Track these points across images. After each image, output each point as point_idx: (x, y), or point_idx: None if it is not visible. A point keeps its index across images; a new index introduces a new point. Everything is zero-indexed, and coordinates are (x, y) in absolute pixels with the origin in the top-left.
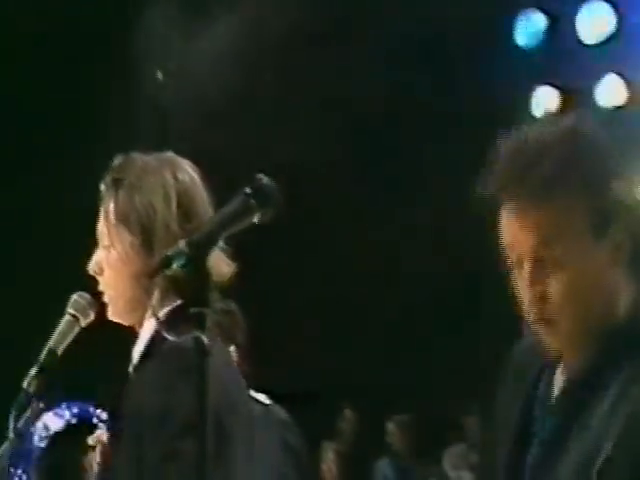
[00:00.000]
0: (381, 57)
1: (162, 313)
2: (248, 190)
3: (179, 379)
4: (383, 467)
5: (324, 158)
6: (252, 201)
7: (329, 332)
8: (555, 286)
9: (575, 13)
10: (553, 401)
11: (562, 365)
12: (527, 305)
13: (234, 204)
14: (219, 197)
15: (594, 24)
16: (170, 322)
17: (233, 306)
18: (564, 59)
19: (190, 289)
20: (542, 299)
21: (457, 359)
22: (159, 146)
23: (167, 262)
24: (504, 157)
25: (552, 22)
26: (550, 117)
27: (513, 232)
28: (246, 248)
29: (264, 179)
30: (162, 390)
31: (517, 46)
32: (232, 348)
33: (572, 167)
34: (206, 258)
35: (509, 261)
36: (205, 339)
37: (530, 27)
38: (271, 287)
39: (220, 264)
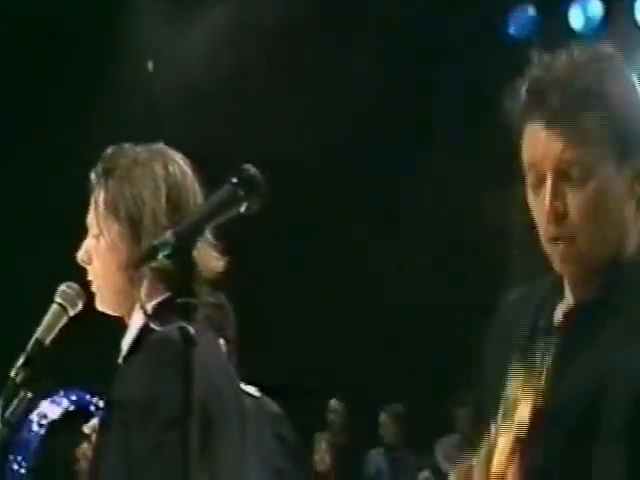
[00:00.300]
0: (378, 46)
1: (150, 305)
2: (235, 180)
3: (165, 370)
4: (376, 458)
5: (315, 149)
6: (239, 191)
7: (323, 324)
8: (575, 202)
9: (568, 3)
10: (553, 331)
11: (565, 296)
12: (544, 223)
13: (221, 194)
14: (212, 187)
15: (585, 14)
16: (159, 314)
17: (223, 299)
18: (556, 49)
19: (178, 280)
20: (561, 215)
21: (451, 351)
22: (151, 137)
23: (153, 252)
24: (535, 73)
25: (544, 12)
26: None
27: (537, 147)
28: (237, 241)
29: (251, 169)
30: (148, 381)
31: (510, 36)
32: (221, 342)
33: (604, 87)
34: (192, 248)
35: (529, 182)
36: (191, 329)
37: (522, 17)
38: (261, 280)
39: (209, 258)
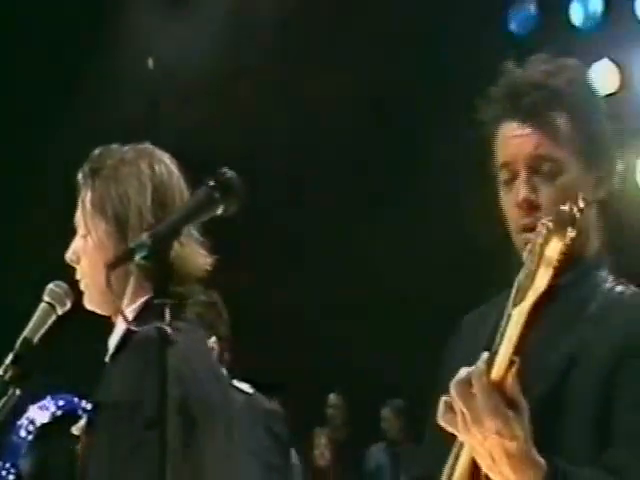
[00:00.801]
0: (377, 45)
1: (136, 305)
2: (211, 183)
3: (144, 370)
4: (377, 453)
5: (315, 148)
6: (215, 194)
7: (324, 320)
8: (546, 194)
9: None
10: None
11: None
12: (517, 214)
13: (197, 196)
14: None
15: (586, 9)
16: (143, 313)
17: (216, 297)
18: (556, 44)
19: (156, 281)
20: (534, 206)
21: None
22: (150, 136)
23: (130, 254)
24: (509, 78)
25: (545, 7)
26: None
27: (511, 144)
28: (238, 240)
29: (228, 172)
30: (132, 381)
31: (510, 32)
32: (214, 339)
33: (574, 93)
34: (169, 250)
35: (502, 180)
36: (168, 329)
37: (523, 13)
38: (261, 278)
39: (196, 255)
